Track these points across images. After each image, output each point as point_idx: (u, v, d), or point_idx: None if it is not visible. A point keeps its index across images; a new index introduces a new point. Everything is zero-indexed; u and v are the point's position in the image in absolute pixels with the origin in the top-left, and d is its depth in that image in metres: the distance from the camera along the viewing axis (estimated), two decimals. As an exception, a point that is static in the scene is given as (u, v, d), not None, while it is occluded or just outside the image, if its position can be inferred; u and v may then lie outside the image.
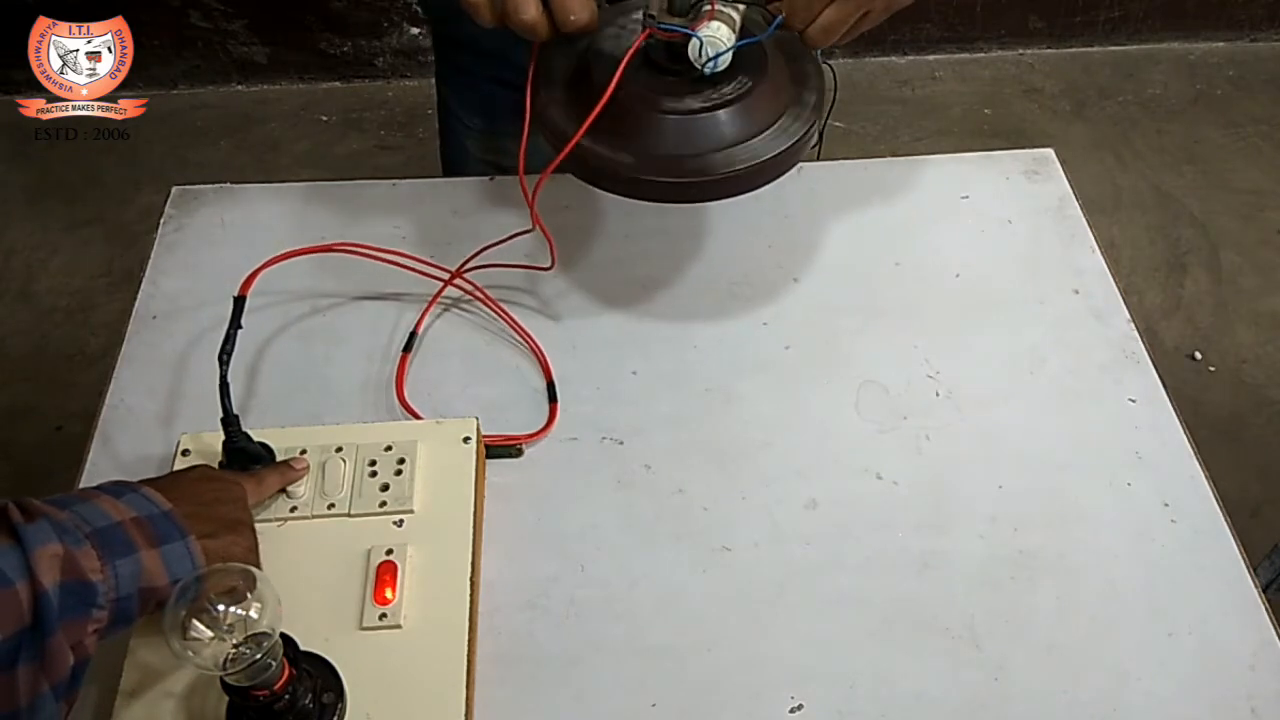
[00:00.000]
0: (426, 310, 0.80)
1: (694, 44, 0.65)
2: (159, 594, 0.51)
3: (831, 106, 0.78)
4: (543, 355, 0.78)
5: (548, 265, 0.80)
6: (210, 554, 0.54)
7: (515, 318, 0.80)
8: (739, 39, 0.67)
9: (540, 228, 0.73)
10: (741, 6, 0.67)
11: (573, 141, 0.66)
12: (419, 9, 2.12)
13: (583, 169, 0.69)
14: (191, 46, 2.17)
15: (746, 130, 0.69)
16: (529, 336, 0.79)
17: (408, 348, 0.78)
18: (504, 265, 0.82)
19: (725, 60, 0.67)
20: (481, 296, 0.81)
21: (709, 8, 0.66)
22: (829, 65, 0.73)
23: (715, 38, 0.65)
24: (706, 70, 0.67)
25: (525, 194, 0.71)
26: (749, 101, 0.69)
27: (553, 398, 0.76)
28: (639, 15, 0.70)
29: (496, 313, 0.81)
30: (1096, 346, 0.80)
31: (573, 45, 0.71)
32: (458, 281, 0.82)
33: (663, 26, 0.66)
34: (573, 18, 0.63)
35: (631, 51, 0.66)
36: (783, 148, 0.69)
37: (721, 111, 0.68)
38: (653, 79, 0.69)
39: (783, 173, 0.70)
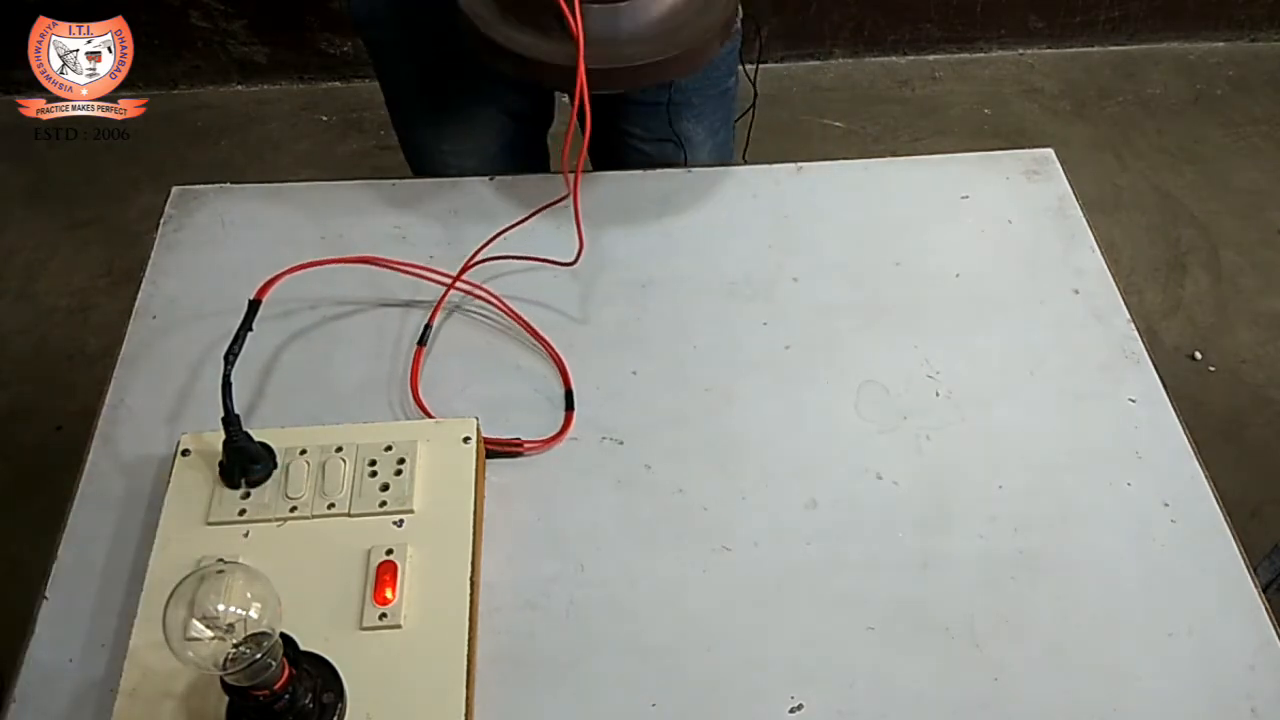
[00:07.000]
0: (439, 305, 0.80)
1: None
2: None
3: (751, 116, 0.76)
4: (561, 362, 0.77)
5: (571, 260, 0.80)
6: None
7: (528, 319, 0.80)
8: None
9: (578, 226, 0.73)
10: None
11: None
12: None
13: (519, 68, 0.69)
14: (191, 46, 2.17)
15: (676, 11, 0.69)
16: (546, 342, 0.79)
17: (422, 341, 0.78)
18: (520, 257, 0.82)
19: None
20: (487, 296, 0.81)
21: None
22: (751, 82, 0.74)
23: None
24: None
25: (567, 182, 0.71)
26: None
27: (570, 406, 0.75)
28: None
29: (510, 315, 0.80)
30: (1096, 346, 0.80)
31: None
32: (462, 284, 0.81)
33: None
34: None
35: None
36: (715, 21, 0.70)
37: None
38: None
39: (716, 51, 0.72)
